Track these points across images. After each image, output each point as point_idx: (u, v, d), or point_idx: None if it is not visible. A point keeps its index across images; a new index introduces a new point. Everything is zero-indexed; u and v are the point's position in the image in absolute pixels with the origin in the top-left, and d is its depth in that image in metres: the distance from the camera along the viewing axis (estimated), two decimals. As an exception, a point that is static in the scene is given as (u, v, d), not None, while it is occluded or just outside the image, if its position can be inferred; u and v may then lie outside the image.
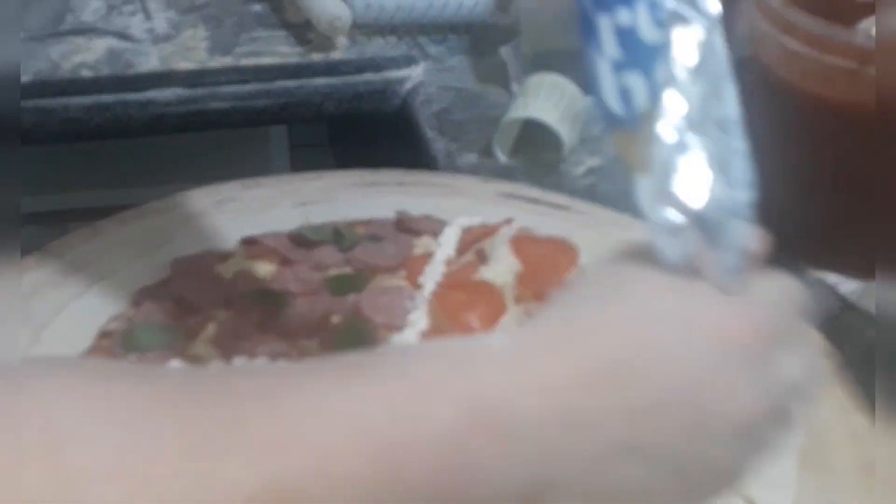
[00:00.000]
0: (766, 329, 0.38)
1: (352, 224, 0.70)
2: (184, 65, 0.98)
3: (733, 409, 0.37)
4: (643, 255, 0.39)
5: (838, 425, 0.59)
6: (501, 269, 0.66)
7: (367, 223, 0.71)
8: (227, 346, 0.58)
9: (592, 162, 0.85)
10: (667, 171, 0.38)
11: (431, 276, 0.64)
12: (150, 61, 0.98)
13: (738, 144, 0.39)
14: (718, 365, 0.37)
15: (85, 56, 0.98)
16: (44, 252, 0.65)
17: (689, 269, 0.38)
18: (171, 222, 0.69)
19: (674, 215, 0.37)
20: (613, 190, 0.82)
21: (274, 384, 0.34)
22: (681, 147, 0.38)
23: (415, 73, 0.97)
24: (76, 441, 0.30)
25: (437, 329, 0.61)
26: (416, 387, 0.35)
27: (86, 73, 0.95)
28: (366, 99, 0.97)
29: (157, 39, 1.01)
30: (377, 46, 1.01)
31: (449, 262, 0.67)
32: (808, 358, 0.40)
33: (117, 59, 0.98)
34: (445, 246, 0.67)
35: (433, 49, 1.02)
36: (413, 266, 0.66)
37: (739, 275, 0.38)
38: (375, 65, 0.98)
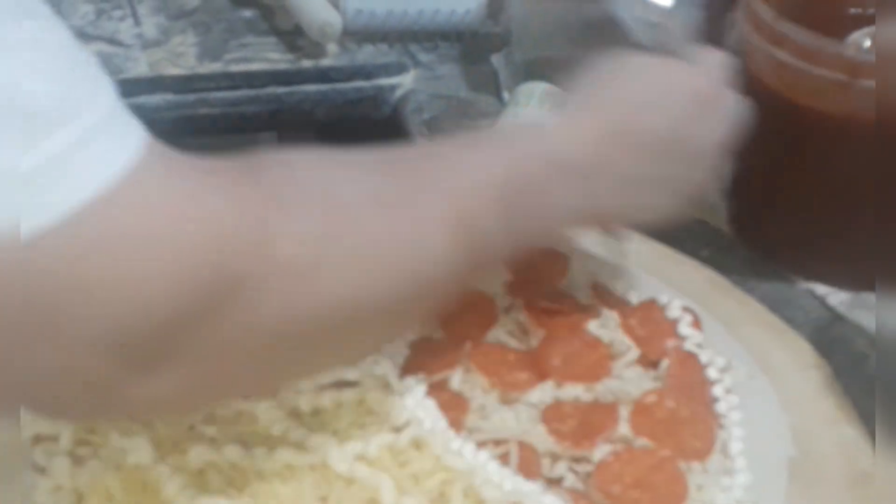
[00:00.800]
0: (719, 84, 0.58)
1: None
2: (173, 70, 0.97)
3: (707, 140, 0.57)
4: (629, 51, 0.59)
5: (828, 436, 0.58)
6: (490, 277, 0.66)
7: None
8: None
9: (583, 171, 0.85)
10: None
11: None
12: (139, 67, 0.97)
13: None
14: (693, 111, 0.57)
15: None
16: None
17: (663, 50, 0.58)
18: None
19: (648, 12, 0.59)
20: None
21: (426, 154, 0.54)
22: None
23: (406, 81, 0.97)
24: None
25: (427, 339, 0.61)
26: (511, 147, 0.54)
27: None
28: (356, 106, 0.97)
29: (147, 45, 1.01)
30: (368, 54, 1.01)
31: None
32: (738, 100, 0.59)
33: (107, 64, 0.94)
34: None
35: (424, 56, 1.02)
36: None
37: (695, 50, 0.59)
38: (366, 72, 0.97)
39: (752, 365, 0.63)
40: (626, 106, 0.57)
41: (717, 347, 0.63)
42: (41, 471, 0.51)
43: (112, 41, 1.01)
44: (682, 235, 0.78)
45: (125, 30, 1.02)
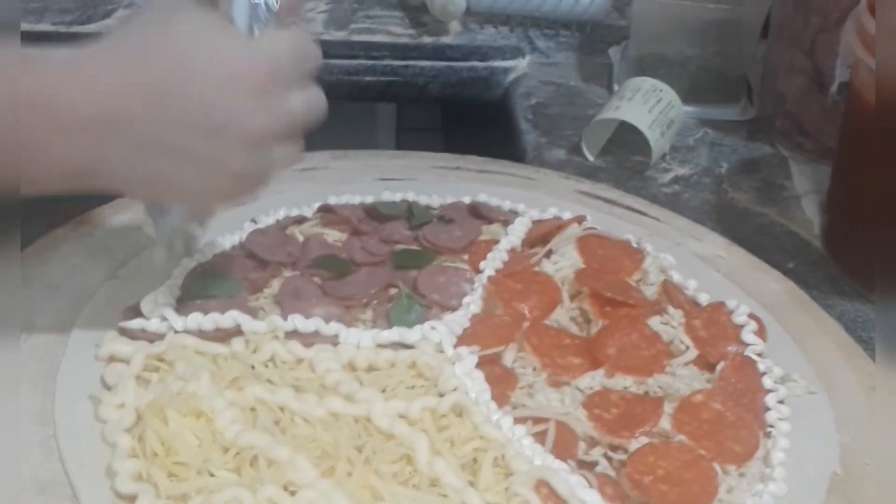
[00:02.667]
0: (274, 70, 0.51)
1: (427, 204, 0.72)
2: (300, 35, 1.01)
3: (245, 124, 0.50)
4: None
5: (878, 459, 0.58)
6: (563, 264, 0.67)
7: (442, 205, 0.72)
8: (287, 304, 0.61)
9: (681, 171, 0.85)
10: None
11: (492, 263, 0.66)
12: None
13: None
14: (233, 91, 0.50)
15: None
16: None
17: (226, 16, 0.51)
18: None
19: None
20: (696, 201, 0.82)
21: None
22: None
23: (520, 65, 0.99)
24: None
25: (489, 313, 0.63)
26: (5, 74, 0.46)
27: None
28: (469, 85, 0.99)
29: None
30: (488, 35, 1.03)
31: (514, 252, 0.68)
32: (312, 98, 0.53)
33: (239, 23, 1.02)
34: (512, 236, 0.69)
35: (542, 43, 1.03)
36: (476, 251, 0.67)
37: (262, 25, 0.52)
38: (482, 53, 0.99)
39: (813, 380, 0.62)
40: (164, 63, 0.49)
41: (780, 358, 0.63)
42: (109, 388, 0.55)
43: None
44: (771, 245, 0.77)
45: (263, -7, 1.07)
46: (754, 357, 0.62)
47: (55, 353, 0.57)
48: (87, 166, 0.49)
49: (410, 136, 1.30)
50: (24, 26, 0.97)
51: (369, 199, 0.72)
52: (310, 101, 0.53)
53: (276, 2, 0.53)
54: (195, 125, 0.49)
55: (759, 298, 0.69)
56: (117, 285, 0.62)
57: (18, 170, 0.48)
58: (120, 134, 0.48)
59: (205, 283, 0.62)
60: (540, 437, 0.55)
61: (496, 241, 0.68)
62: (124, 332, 0.58)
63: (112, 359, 0.57)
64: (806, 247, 0.77)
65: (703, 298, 0.67)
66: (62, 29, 0.98)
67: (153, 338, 0.58)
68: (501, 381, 0.58)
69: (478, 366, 0.58)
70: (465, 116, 1.17)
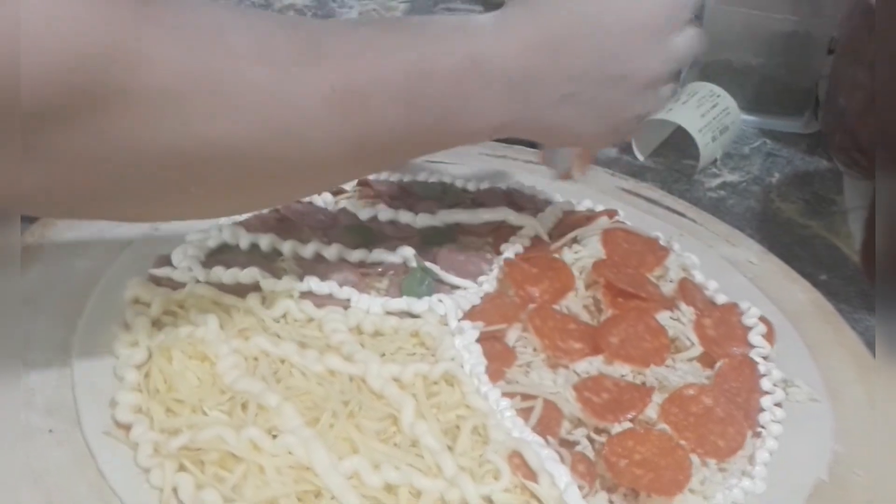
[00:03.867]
0: (670, 16, 0.55)
1: (463, 188, 0.74)
2: (378, 22, 1.04)
3: (644, 70, 0.55)
4: None
5: (869, 472, 0.57)
6: (584, 254, 0.68)
7: (479, 189, 0.74)
8: (308, 267, 0.64)
9: (730, 178, 0.85)
10: None
11: (512, 247, 0.68)
12: (349, 13, 1.05)
13: None
14: (635, 41, 0.55)
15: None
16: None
17: None
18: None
19: None
20: (740, 207, 0.82)
21: (342, 27, 0.52)
22: None
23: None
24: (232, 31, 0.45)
25: (501, 295, 0.64)
26: (432, 38, 0.52)
27: (290, 15, 1.04)
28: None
29: (364, -5, 1.09)
30: (563, 34, 1.04)
31: (538, 239, 0.69)
32: (693, 36, 0.57)
33: (323, 7, 1.06)
34: (537, 223, 0.70)
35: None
36: (500, 234, 0.69)
37: None
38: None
39: (819, 388, 0.62)
40: (570, 19, 0.54)
41: (788, 364, 0.63)
42: (126, 326, 0.59)
43: (336, -13, 1.09)
44: (808, 256, 0.77)
45: (351, -21, 1.11)
46: (757, 359, 0.62)
47: (86, 294, 0.61)
48: (507, 118, 0.54)
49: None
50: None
51: (407, 178, 0.74)
52: (691, 41, 0.57)
53: None
54: (601, 75, 0.54)
55: (781, 305, 0.69)
56: (156, 237, 0.66)
57: (455, 128, 0.54)
58: (536, 87, 0.53)
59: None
60: (526, 414, 0.56)
61: (521, 227, 0.70)
62: (152, 279, 0.62)
63: (136, 301, 0.61)
64: (843, 261, 0.77)
65: (721, 299, 0.67)
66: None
67: (177, 286, 0.61)
68: (500, 358, 0.60)
69: (479, 341, 0.60)
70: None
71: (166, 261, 0.63)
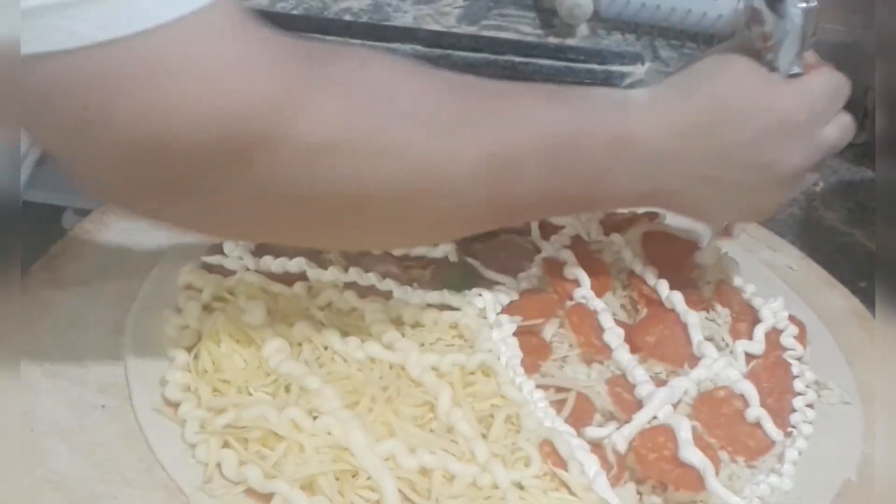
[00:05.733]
0: (814, 111, 0.57)
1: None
2: (432, 27, 1.07)
3: (787, 162, 0.57)
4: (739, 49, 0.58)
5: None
6: (625, 254, 0.69)
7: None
8: (352, 258, 0.66)
9: (775, 185, 0.86)
10: None
11: (553, 245, 0.69)
12: (404, 18, 1.08)
13: None
14: (779, 134, 0.56)
15: (353, 3, 1.09)
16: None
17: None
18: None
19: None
20: (782, 214, 0.82)
21: (507, 92, 0.55)
22: None
23: (637, 71, 1.01)
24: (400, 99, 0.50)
25: (540, 290, 0.66)
26: (591, 112, 0.56)
27: (347, 18, 1.07)
28: (585, 86, 1.02)
29: (419, 0, 1.11)
30: (613, 41, 1.06)
31: (579, 238, 0.71)
32: (844, 127, 0.59)
33: (378, 11, 1.08)
34: (578, 222, 0.72)
35: (666, 52, 1.05)
36: (543, 233, 0.71)
37: (799, 61, 0.57)
38: (601, 56, 1.02)
39: (852, 391, 0.63)
40: (722, 107, 0.56)
41: (822, 367, 0.64)
42: (178, 310, 0.61)
43: (390, -8, 1.12)
44: (848, 264, 0.77)
45: (405, -17, 1.13)
46: (791, 360, 0.63)
47: (140, 278, 0.64)
48: (648, 191, 0.57)
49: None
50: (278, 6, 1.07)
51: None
52: (842, 131, 0.59)
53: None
54: (744, 162, 0.57)
55: (818, 310, 0.69)
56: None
57: (599, 197, 0.58)
58: (681, 166, 0.56)
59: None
60: (559, 406, 0.58)
61: (562, 227, 0.71)
62: (204, 266, 0.65)
63: (189, 287, 0.63)
64: (885, 269, 0.77)
65: (758, 303, 0.68)
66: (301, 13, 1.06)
67: (227, 274, 0.64)
68: (536, 351, 0.61)
69: (516, 335, 0.62)
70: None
71: (218, 249, 0.66)
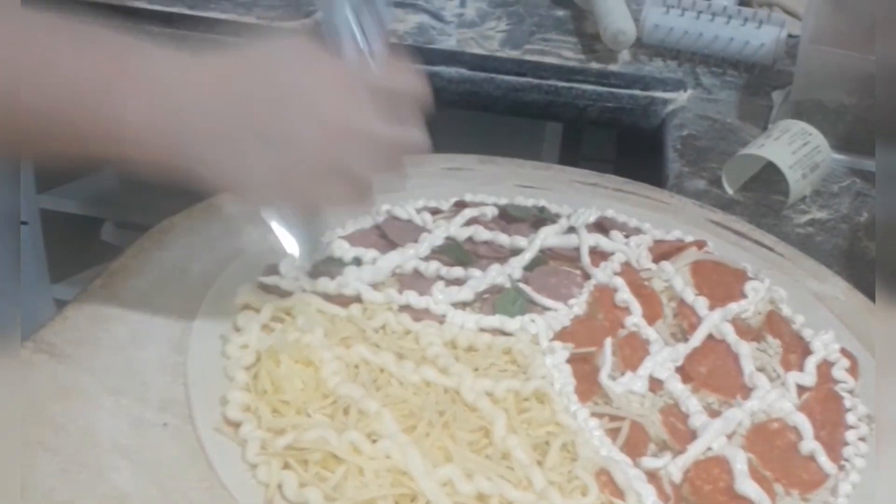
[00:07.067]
0: (361, 84, 0.56)
1: (556, 213, 0.77)
2: (476, 50, 1.08)
3: (314, 129, 0.55)
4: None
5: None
6: (675, 283, 0.70)
7: (570, 214, 0.77)
8: (405, 282, 0.67)
9: (818, 214, 0.86)
10: None
11: (602, 272, 0.70)
12: (448, 41, 1.09)
13: None
14: (318, 86, 0.55)
15: (398, 26, 1.10)
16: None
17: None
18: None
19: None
20: (828, 245, 0.83)
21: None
22: None
23: (679, 98, 1.02)
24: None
25: (591, 317, 0.67)
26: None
27: (392, 41, 1.08)
28: (627, 112, 1.03)
29: (462, 24, 1.12)
30: (655, 67, 1.06)
31: (628, 265, 0.71)
32: (408, 129, 0.58)
33: (423, 34, 1.09)
34: (628, 249, 0.72)
35: (707, 80, 1.05)
36: (592, 260, 0.71)
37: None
38: (644, 82, 1.03)
39: (903, 426, 0.63)
40: (250, 62, 0.56)
41: (873, 400, 0.64)
42: (238, 330, 0.62)
43: (436, 16, 1.13)
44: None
45: (450, 8, 1.15)
46: (842, 393, 0.63)
47: (199, 297, 0.65)
48: (169, 130, 0.54)
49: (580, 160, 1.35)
50: (233, 16, 1.08)
51: (503, 201, 0.77)
52: (405, 133, 0.58)
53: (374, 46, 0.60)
54: (269, 113, 0.54)
55: (866, 341, 0.69)
56: (265, 248, 0.70)
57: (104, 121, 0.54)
58: (197, 109, 0.54)
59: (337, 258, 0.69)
60: (614, 434, 0.58)
61: (612, 253, 0.72)
62: (261, 286, 0.66)
63: (246, 307, 0.64)
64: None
65: (808, 334, 0.68)
66: (264, 23, 1.08)
67: (284, 294, 0.65)
68: (589, 380, 0.62)
69: (569, 361, 0.62)
70: (613, 138, 1.22)
71: (274, 270, 0.67)
